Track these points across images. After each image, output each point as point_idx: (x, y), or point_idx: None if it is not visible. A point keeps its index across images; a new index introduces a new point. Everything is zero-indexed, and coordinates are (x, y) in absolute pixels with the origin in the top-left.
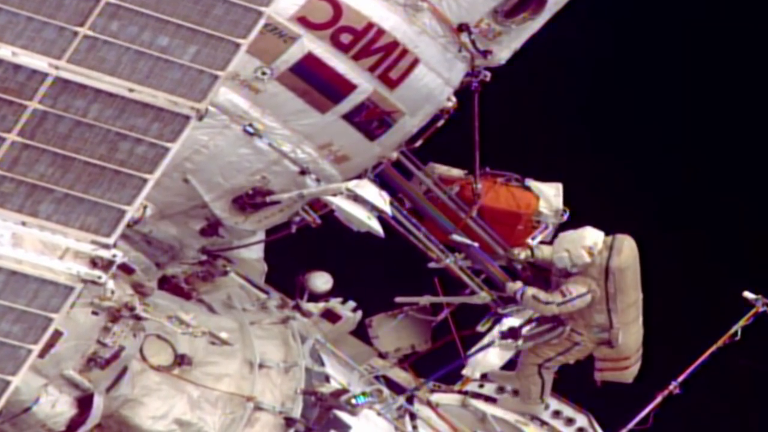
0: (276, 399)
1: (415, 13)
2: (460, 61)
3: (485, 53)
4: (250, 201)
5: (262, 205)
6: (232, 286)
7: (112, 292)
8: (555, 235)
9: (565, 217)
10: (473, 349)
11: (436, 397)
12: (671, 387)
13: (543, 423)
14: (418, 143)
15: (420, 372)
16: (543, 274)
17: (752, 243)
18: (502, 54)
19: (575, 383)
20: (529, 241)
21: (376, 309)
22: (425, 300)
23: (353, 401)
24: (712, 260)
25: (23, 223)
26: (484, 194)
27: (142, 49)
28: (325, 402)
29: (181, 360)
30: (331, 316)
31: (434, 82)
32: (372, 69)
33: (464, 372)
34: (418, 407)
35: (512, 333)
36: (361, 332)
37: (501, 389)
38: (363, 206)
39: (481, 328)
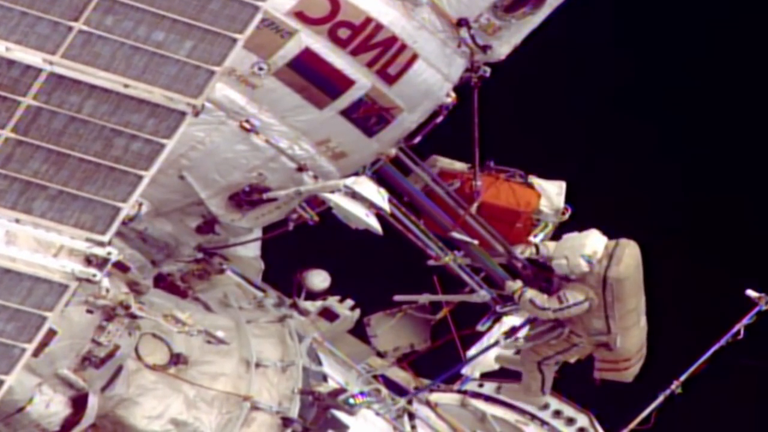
0: (273, 398)
1: (414, 8)
2: (460, 56)
3: (485, 48)
4: (246, 198)
5: (258, 202)
6: (228, 284)
7: (107, 291)
8: (555, 235)
9: (566, 216)
10: (476, 350)
11: (435, 397)
12: (673, 386)
13: (543, 423)
14: (417, 139)
15: (419, 371)
16: (545, 273)
17: (755, 241)
18: (502, 49)
19: (576, 383)
20: (533, 238)
21: (375, 307)
22: (424, 298)
23: (351, 401)
24: (714, 259)
25: (17, 221)
26: (484, 190)
27: (137, 44)
28: (323, 401)
29: (176, 359)
30: (328, 314)
31: (433, 77)
32: (370, 64)
33: (463, 371)
34: (417, 407)
35: (514, 332)
36: (359, 331)
37: (500, 389)
38: (361, 203)
39: (481, 328)
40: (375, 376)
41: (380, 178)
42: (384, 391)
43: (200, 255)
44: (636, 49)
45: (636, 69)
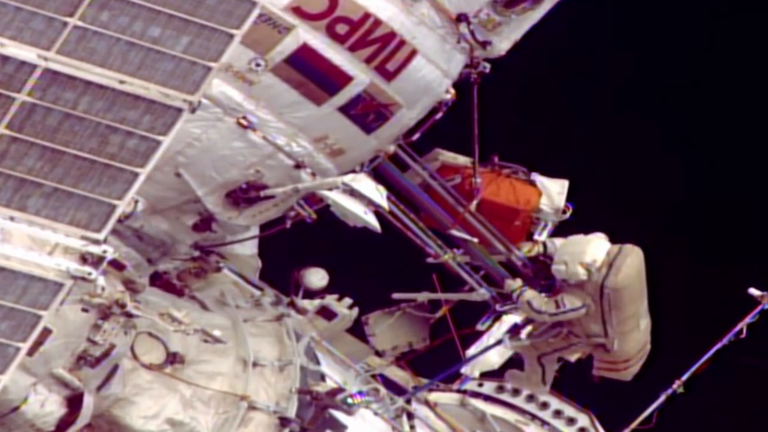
0: (270, 398)
1: (413, 4)
2: (459, 52)
3: (485, 44)
4: (243, 195)
5: (256, 199)
6: (225, 283)
7: (103, 289)
8: (558, 233)
9: (567, 215)
10: (476, 350)
11: (434, 396)
12: (675, 386)
13: (544, 423)
14: (416, 136)
15: (418, 370)
16: (545, 273)
17: (758, 239)
18: (502, 45)
19: (577, 383)
20: (538, 237)
21: (373, 306)
22: (423, 297)
23: (349, 400)
24: (716, 257)
25: (11, 218)
26: (485, 186)
27: (133, 39)
28: (321, 401)
29: (173, 358)
30: (326, 313)
31: (432, 73)
32: (368, 60)
33: (463, 370)
34: (415, 406)
35: (517, 331)
36: (357, 330)
37: (500, 388)
38: (359, 201)
39: (481, 327)
40: (373, 376)
41: (379, 175)
42: (382, 390)
43: (197, 253)
44: (638, 47)
45: (638, 66)
